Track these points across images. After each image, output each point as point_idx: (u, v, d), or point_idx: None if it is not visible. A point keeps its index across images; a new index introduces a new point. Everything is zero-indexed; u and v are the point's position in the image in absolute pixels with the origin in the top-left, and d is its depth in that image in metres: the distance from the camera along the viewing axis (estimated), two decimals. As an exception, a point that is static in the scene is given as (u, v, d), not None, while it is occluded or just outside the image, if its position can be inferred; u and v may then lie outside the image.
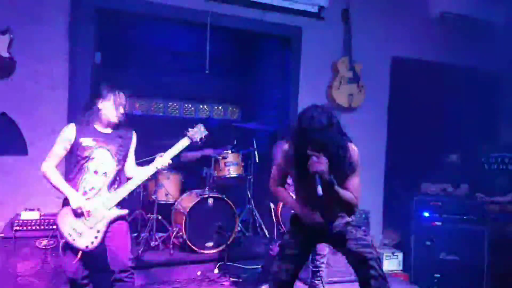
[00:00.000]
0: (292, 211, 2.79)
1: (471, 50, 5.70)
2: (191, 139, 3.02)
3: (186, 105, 6.23)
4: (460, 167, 5.50)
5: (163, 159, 2.90)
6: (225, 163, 4.68)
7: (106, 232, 2.74)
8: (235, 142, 4.99)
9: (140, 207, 4.54)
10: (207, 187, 4.54)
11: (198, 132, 3.05)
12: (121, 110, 2.84)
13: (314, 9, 4.97)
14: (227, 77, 6.33)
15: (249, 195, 5.12)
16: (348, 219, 2.66)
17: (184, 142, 3.00)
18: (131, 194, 2.86)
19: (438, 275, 4.57)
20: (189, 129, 3.04)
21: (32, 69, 3.84)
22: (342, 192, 2.45)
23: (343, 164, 2.48)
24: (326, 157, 2.37)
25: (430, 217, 4.81)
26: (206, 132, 3.08)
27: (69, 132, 2.76)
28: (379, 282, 2.41)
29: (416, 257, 4.71)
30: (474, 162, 5.55)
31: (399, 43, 5.43)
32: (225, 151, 4.78)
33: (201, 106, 6.33)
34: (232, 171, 4.69)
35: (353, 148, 2.55)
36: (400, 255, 4.89)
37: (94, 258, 2.74)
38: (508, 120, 6.08)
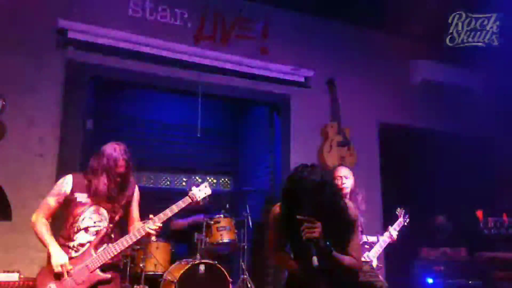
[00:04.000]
0: (287, 275, 2.52)
1: (452, 116, 5.90)
2: (192, 198, 2.80)
3: (177, 176, 6.21)
4: (456, 231, 5.39)
5: (155, 221, 2.69)
6: (217, 228, 4.52)
7: None
8: (227, 206, 4.87)
9: (127, 279, 4.28)
10: (199, 254, 4.33)
11: (202, 191, 2.85)
12: (117, 179, 2.66)
13: (301, 79, 5.19)
14: (219, 147, 6.41)
15: (243, 265, 4.88)
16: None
17: (184, 202, 2.78)
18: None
19: None
20: (193, 188, 2.85)
21: (22, 135, 3.86)
22: (341, 258, 2.23)
23: (340, 225, 2.28)
24: (320, 220, 2.16)
25: (434, 283, 4.60)
26: (210, 191, 2.87)
27: (65, 184, 2.66)
28: None
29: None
30: (470, 226, 5.45)
31: (384, 110, 5.62)
32: (217, 216, 4.64)
33: (193, 177, 6.30)
34: (225, 236, 4.51)
35: (349, 205, 2.36)
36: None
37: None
38: (499, 184, 6.10)
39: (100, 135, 4.67)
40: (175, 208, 2.76)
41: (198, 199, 2.84)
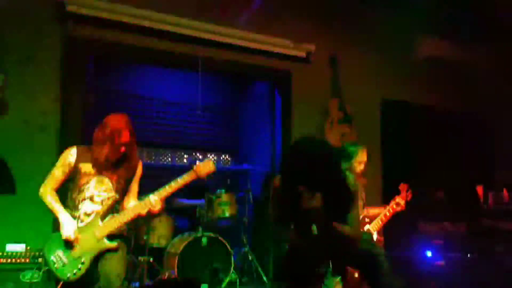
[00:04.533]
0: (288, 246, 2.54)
1: (455, 92, 5.89)
2: (197, 174, 2.77)
3: (178, 153, 6.22)
4: (456, 206, 5.43)
5: (160, 193, 2.71)
6: (219, 203, 4.58)
7: (95, 263, 2.58)
8: (228, 182, 4.92)
9: (131, 251, 4.35)
10: (201, 228, 4.39)
11: (207, 167, 2.80)
12: (122, 149, 2.65)
13: (303, 54, 5.15)
14: (220, 124, 6.41)
15: (244, 238, 4.95)
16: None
17: (189, 177, 2.76)
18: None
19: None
20: (197, 162, 2.82)
21: (23, 109, 3.86)
22: (340, 229, 2.29)
23: (340, 196, 2.31)
24: (320, 191, 2.20)
25: (433, 257, 4.65)
26: (214, 168, 2.83)
27: (70, 156, 2.68)
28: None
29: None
30: (470, 201, 5.49)
31: (387, 86, 5.59)
32: (218, 191, 4.69)
33: (194, 154, 6.32)
34: (227, 211, 4.57)
35: (349, 178, 2.42)
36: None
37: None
38: (499, 160, 6.13)
39: (101, 111, 4.64)
40: (180, 180, 2.77)
41: (203, 175, 2.81)
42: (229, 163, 6.52)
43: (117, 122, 2.67)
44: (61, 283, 2.53)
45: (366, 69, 5.49)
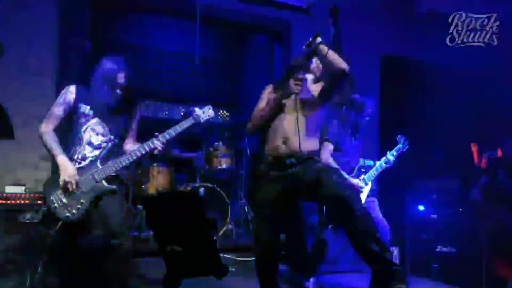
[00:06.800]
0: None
1: (457, 48, 5.79)
2: (196, 119, 2.79)
3: (176, 106, 6.18)
4: (450, 164, 5.49)
5: (160, 138, 2.70)
6: (216, 155, 4.61)
7: (94, 204, 2.60)
8: (226, 135, 4.93)
9: (129, 200, 4.40)
10: (198, 179, 4.44)
11: (206, 113, 2.83)
12: (119, 90, 2.66)
13: (303, 4, 5.02)
14: (218, 77, 6.34)
15: (240, 191, 5.02)
16: (320, 165, 2.57)
17: (188, 122, 2.76)
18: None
19: (436, 266, 4.46)
20: (196, 109, 2.84)
21: (19, 54, 3.79)
22: (330, 52, 2.50)
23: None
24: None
25: (425, 210, 4.74)
26: (213, 114, 2.87)
27: (69, 94, 2.67)
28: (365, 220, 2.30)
29: (413, 251, 4.61)
30: (465, 158, 5.55)
31: (387, 42, 5.51)
32: (216, 144, 4.71)
33: (192, 108, 6.26)
34: (224, 163, 4.60)
35: None
36: (396, 250, 4.78)
37: (81, 229, 2.58)
38: (498, 118, 6.14)
39: (98, 61, 4.58)
40: (178, 128, 2.76)
41: (202, 121, 2.83)
42: (227, 118, 6.51)
43: (113, 62, 2.67)
44: (59, 223, 2.56)
45: (366, 24, 5.38)
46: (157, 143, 2.69)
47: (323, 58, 2.49)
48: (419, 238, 4.63)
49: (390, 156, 3.75)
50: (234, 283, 3.42)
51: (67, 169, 2.56)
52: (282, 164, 2.55)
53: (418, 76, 5.55)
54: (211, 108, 2.87)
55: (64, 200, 2.57)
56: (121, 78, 2.65)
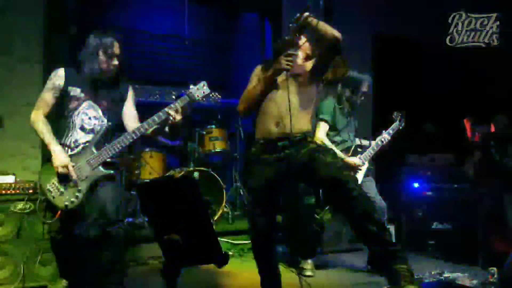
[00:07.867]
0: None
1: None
2: (190, 97, 2.63)
3: (167, 90, 6.08)
4: (442, 138, 5.48)
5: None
6: (209, 138, 4.55)
7: (90, 191, 2.52)
8: (219, 117, 4.86)
9: (123, 186, 4.36)
10: (192, 163, 4.39)
11: (200, 90, 2.67)
12: (115, 61, 2.54)
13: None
14: (209, 59, 6.24)
15: (235, 174, 4.98)
16: (314, 145, 2.51)
17: (183, 101, 2.61)
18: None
19: (432, 242, 4.49)
20: (191, 86, 2.68)
21: (5, 40, 3.68)
22: (320, 22, 2.37)
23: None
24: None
25: (420, 187, 4.75)
26: (209, 91, 2.70)
27: (58, 78, 2.56)
28: (362, 201, 2.25)
29: (409, 228, 4.63)
30: (459, 134, 5.55)
31: (380, 18, 5.44)
32: (209, 126, 4.64)
33: (183, 91, 6.18)
34: (217, 146, 4.55)
35: None
36: (392, 228, 4.80)
37: (78, 217, 2.52)
38: (490, 95, 6.12)
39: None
40: (176, 105, 2.61)
41: (197, 98, 2.68)
42: (219, 101, 6.42)
43: (105, 33, 2.57)
44: (59, 212, 2.50)
45: (359, 2, 5.31)
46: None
47: (314, 31, 2.38)
48: (415, 215, 4.66)
49: (387, 134, 3.71)
50: (232, 266, 3.42)
51: (60, 157, 2.48)
52: (275, 146, 2.48)
53: (412, 53, 5.51)
54: (206, 84, 2.70)
55: (61, 189, 2.50)
56: (116, 47, 2.55)
